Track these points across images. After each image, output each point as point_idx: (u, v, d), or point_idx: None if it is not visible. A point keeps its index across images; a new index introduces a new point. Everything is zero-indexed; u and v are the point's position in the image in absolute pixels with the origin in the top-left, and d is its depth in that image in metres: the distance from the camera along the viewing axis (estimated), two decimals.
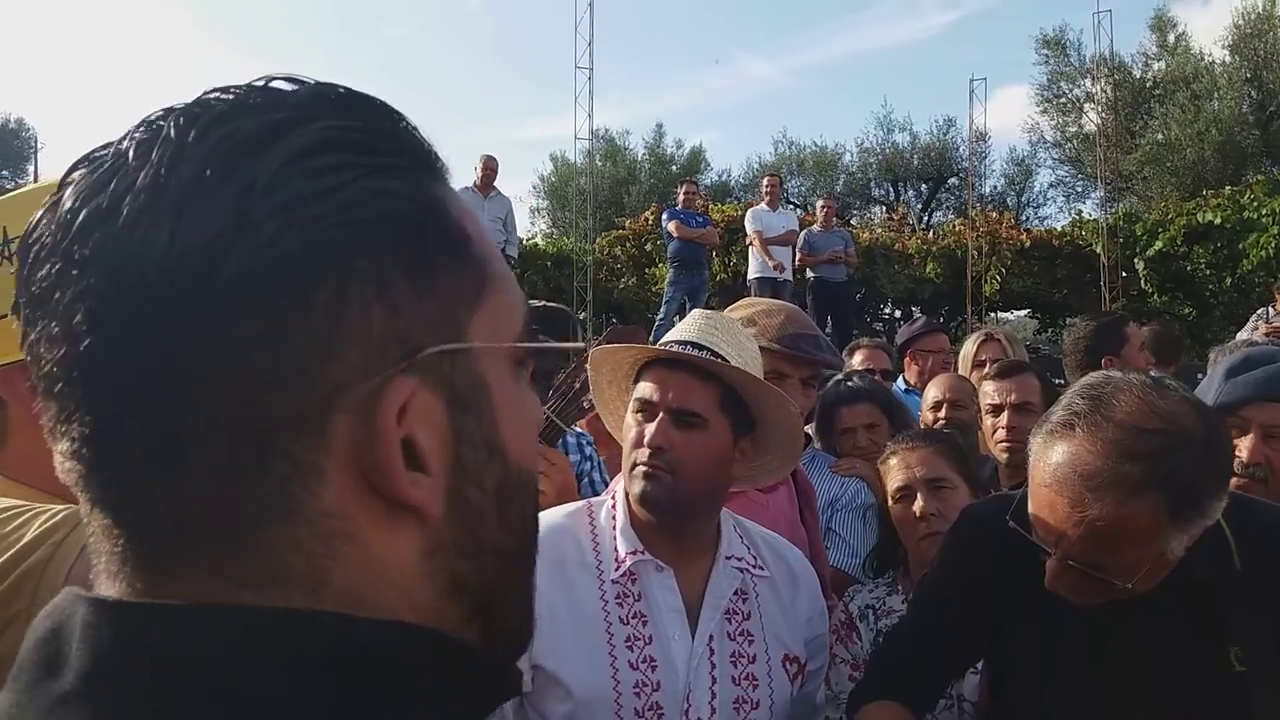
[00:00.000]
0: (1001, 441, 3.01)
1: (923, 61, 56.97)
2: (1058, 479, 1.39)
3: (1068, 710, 1.54)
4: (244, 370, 0.46)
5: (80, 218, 0.48)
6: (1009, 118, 54.54)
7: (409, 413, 0.50)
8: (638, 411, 1.74)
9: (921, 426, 3.61)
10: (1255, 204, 15.16)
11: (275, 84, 0.52)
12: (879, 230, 21.01)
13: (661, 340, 1.85)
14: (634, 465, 1.71)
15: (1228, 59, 23.26)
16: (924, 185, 29.71)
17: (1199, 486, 1.36)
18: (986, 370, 3.40)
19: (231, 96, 0.50)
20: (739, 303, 2.76)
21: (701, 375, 1.72)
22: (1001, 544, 1.60)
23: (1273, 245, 14.42)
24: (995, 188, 27.74)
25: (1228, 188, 16.83)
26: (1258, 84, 22.59)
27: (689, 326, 1.82)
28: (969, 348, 4.13)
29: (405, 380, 0.49)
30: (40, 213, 0.51)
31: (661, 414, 1.70)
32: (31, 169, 32.72)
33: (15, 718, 0.48)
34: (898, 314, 19.91)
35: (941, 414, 3.43)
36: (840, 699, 2.26)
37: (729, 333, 1.81)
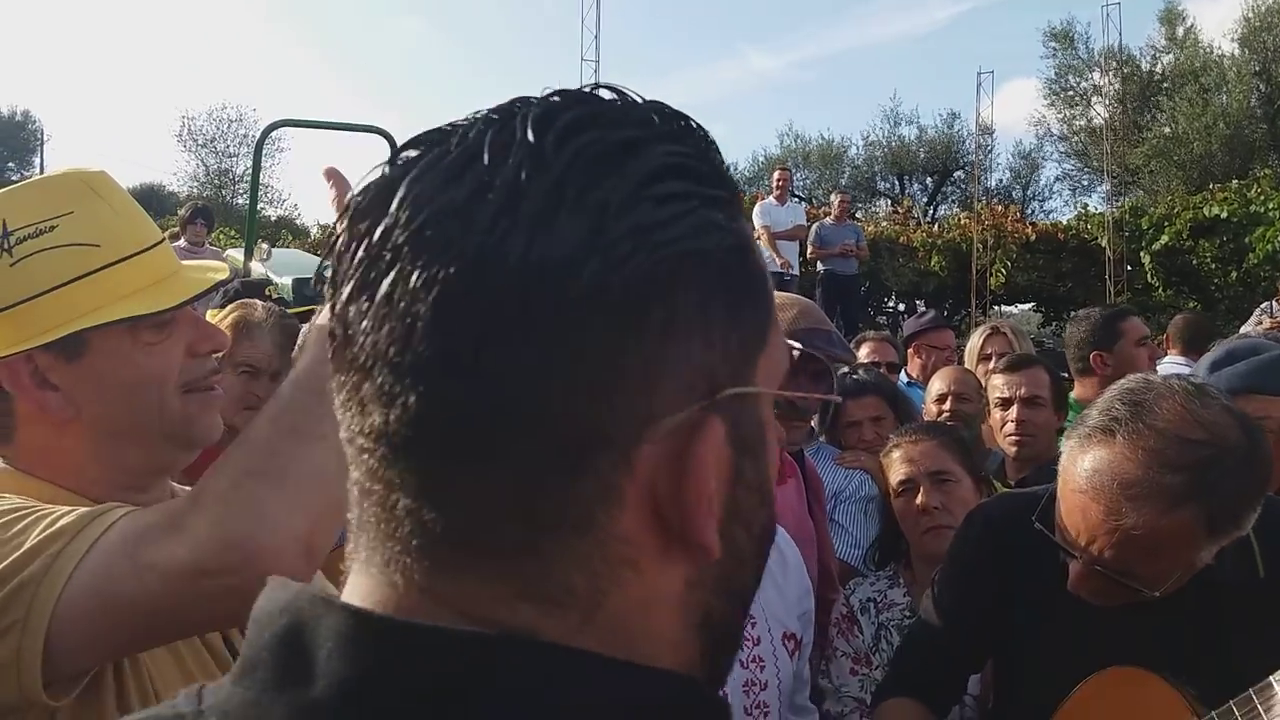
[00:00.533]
0: (1010, 435, 3.01)
1: (929, 55, 56.91)
2: (1094, 485, 1.36)
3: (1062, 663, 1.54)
4: (575, 383, 0.46)
5: (431, 207, 0.48)
6: (1016, 111, 54.49)
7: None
8: None
9: (925, 419, 3.61)
10: (1262, 198, 15.11)
11: (600, 93, 0.52)
12: (884, 223, 20.96)
13: None
14: None
15: (1237, 52, 23.19)
16: (929, 179, 29.68)
17: (1239, 499, 1.34)
18: (996, 364, 3.39)
19: (577, 105, 0.51)
20: None
21: None
22: (1011, 543, 1.59)
23: (1279, 239, 14.38)
24: (1001, 181, 27.73)
25: (1235, 181, 16.79)
26: (1266, 77, 22.50)
27: None
28: (975, 341, 4.12)
29: (716, 419, 0.50)
30: (370, 190, 0.51)
31: None
32: (38, 161, 32.79)
33: (255, 718, 0.47)
34: (901, 307, 19.89)
35: (946, 406, 3.42)
36: (841, 692, 2.26)
37: None
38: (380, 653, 0.46)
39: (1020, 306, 20.73)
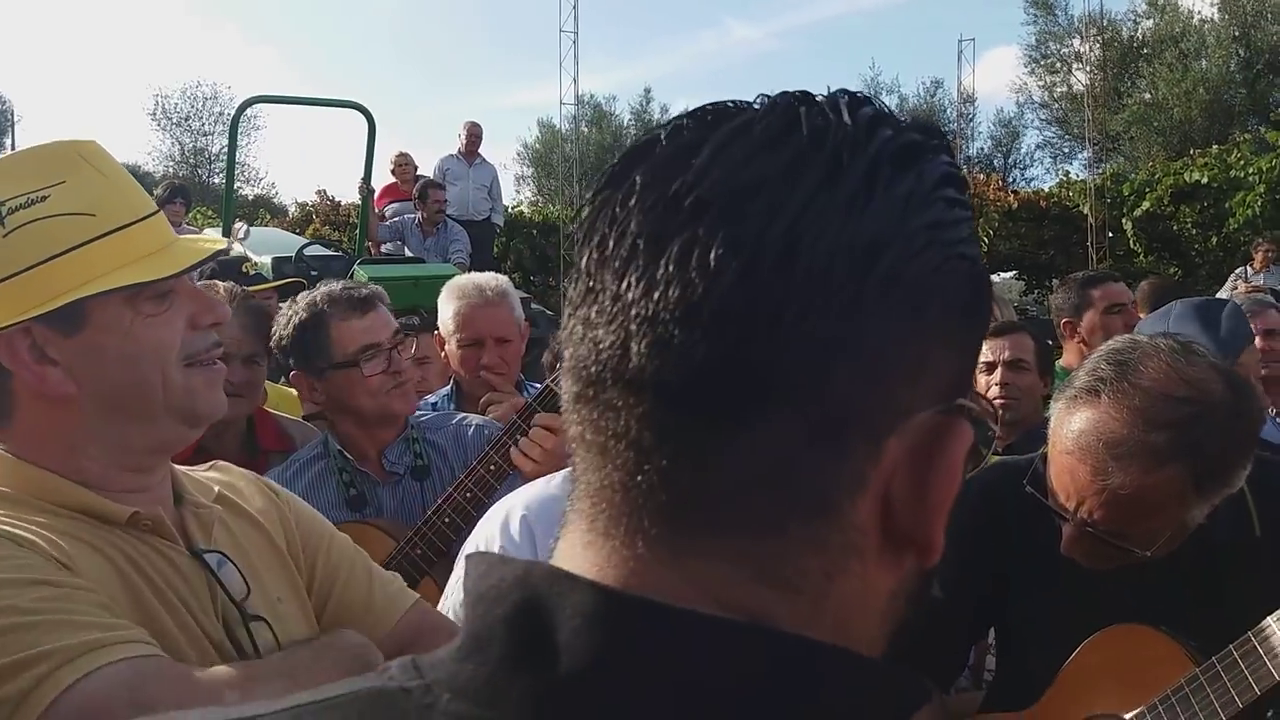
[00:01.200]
0: (995, 399, 3.00)
1: (910, 22, 56.70)
2: (1081, 446, 1.37)
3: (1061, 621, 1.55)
4: (856, 363, 0.47)
5: (749, 169, 0.48)
6: (997, 79, 54.37)
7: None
8: None
9: None
10: (1242, 163, 15.15)
11: (872, 100, 0.54)
12: None
13: None
14: None
15: (1216, 17, 23.19)
16: None
17: (1225, 456, 1.34)
18: None
19: (864, 103, 0.52)
20: None
21: None
22: (1007, 510, 1.59)
23: (1259, 204, 14.44)
24: (982, 149, 27.73)
25: (1215, 147, 16.81)
26: (1246, 42, 22.53)
27: None
28: None
29: (965, 424, 0.51)
30: (642, 153, 0.51)
31: None
32: (9, 142, 32.32)
33: (494, 695, 0.45)
34: None
35: None
36: None
37: None
38: (632, 634, 0.45)
39: (1002, 275, 20.78)
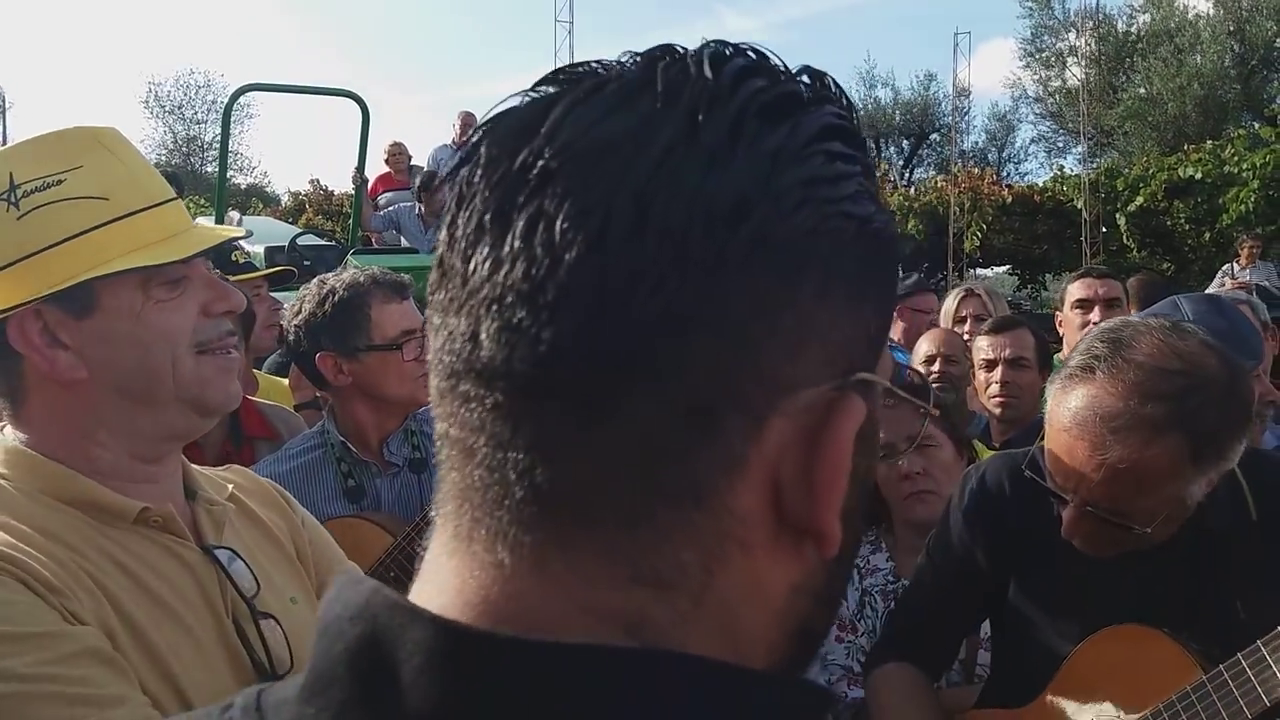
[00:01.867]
0: (995, 396, 3.00)
1: (906, 14, 56.65)
2: (1078, 422, 1.37)
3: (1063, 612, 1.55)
4: (723, 335, 0.43)
5: (596, 131, 0.44)
6: (992, 73, 54.40)
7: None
8: None
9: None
10: (1236, 158, 15.20)
11: (749, 51, 0.49)
12: None
13: None
14: None
15: (1211, 12, 23.21)
16: (905, 142, 29.65)
17: (1220, 428, 1.35)
18: (973, 326, 3.37)
19: (739, 54, 0.48)
20: None
21: None
22: (1008, 500, 1.60)
23: (1252, 200, 14.48)
24: (977, 144, 27.75)
25: (1209, 142, 16.87)
26: (1240, 37, 22.56)
27: None
28: (950, 304, 4.13)
29: (857, 400, 0.46)
30: (506, 117, 0.47)
31: None
32: (0, 130, 32.14)
33: None
34: None
35: (935, 368, 3.41)
36: (826, 660, 2.25)
37: None
38: (476, 674, 0.41)
39: (996, 269, 20.82)
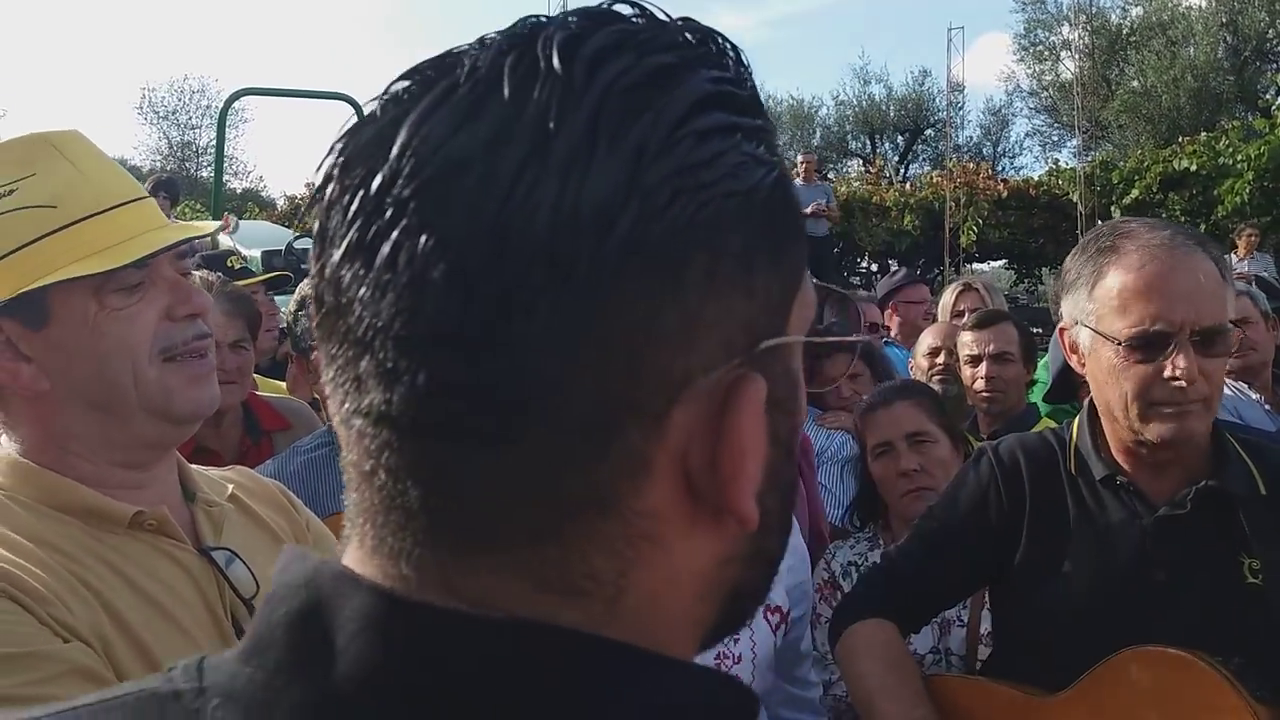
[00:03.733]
0: (981, 391, 3.02)
1: (899, 10, 56.63)
2: (1151, 260, 1.48)
3: (1082, 622, 1.55)
4: (606, 351, 0.42)
5: (444, 152, 0.42)
6: (986, 68, 54.31)
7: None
8: None
9: (915, 374, 3.61)
10: (1230, 150, 15.21)
11: (619, 9, 0.46)
12: (856, 184, 20.94)
13: None
14: None
15: (1204, 4, 23.21)
16: (900, 137, 29.65)
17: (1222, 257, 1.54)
18: (965, 320, 3.40)
19: (602, 26, 0.45)
20: None
21: None
22: (1020, 478, 1.64)
23: (1247, 191, 14.49)
24: (971, 138, 27.75)
25: (1203, 134, 16.88)
26: (1234, 29, 22.55)
27: None
28: (948, 298, 4.13)
29: (757, 376, 0.45)
30: (362, 132, 0.45)
31: None
32: None
33: (267, 702, 0.43)
34: (874, 268, 19.93)
35: (939, 360, 3.42)
36: (826, 659, 2.26)
37: None
38: (411, 638, 0.42)
39: (992, 263, 20.82)
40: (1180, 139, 17.40)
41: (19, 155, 1.11)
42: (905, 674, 1.66)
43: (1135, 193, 16.04)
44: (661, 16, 0.47)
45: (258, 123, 33.32)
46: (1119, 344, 1.48)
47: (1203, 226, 15.23)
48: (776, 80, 73.12)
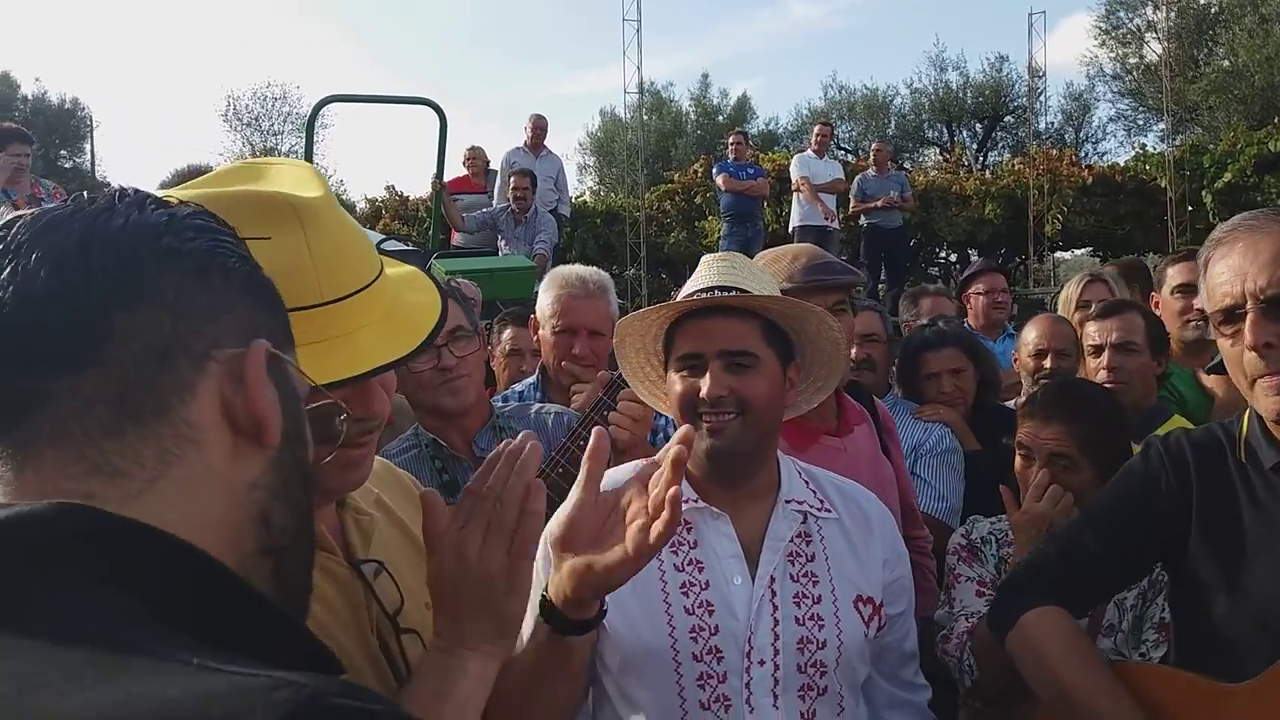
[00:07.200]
0: (1105, 383, 2.89)
1: None
2: (1253, 226, 1.57)
3: (1267, 608, 1.54)
4: (163, 308, 0.68)
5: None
6: (1065, 52, 52.79)
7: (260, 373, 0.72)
8: (682, 369, 1.74)
9: (1020, 373, 3.50)
10: None
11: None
12: (934, 173, 20.56)
13: (682, 293, 1.84)
14: (698, 419, 1.70)
15: None
16: (978, 125, 29.04)
17: None
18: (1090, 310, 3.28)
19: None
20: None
21: (739, 314, 1.73)
22: (1188, 467, 1.65)
23: None
24: (1052, 124, 26.99)
25: None
26: None
27: (706, 273, 1.81)
28: (1071, 290, 3.88)
29: (261, 350, 0.72)
30: None
31: (712, 362, 1.70)
32: (88, 148, 33.33)
33: None
34: (954, 258, 19.57)
35: (1046, 363, 3.30)
36: (966, 612, 2.26)
37: (745, 269, 1.82)
38: None
39: (1077, 252, 20.31)
40: (1276, 119, 16.74)
41: (259, 211, 1.02)
42: (1106, 670, 1.68)
43: (1228, 176, 15.47)
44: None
45: (336, 128, 33.91)
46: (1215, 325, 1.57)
47: None
48: (850, 69, 72.25)
